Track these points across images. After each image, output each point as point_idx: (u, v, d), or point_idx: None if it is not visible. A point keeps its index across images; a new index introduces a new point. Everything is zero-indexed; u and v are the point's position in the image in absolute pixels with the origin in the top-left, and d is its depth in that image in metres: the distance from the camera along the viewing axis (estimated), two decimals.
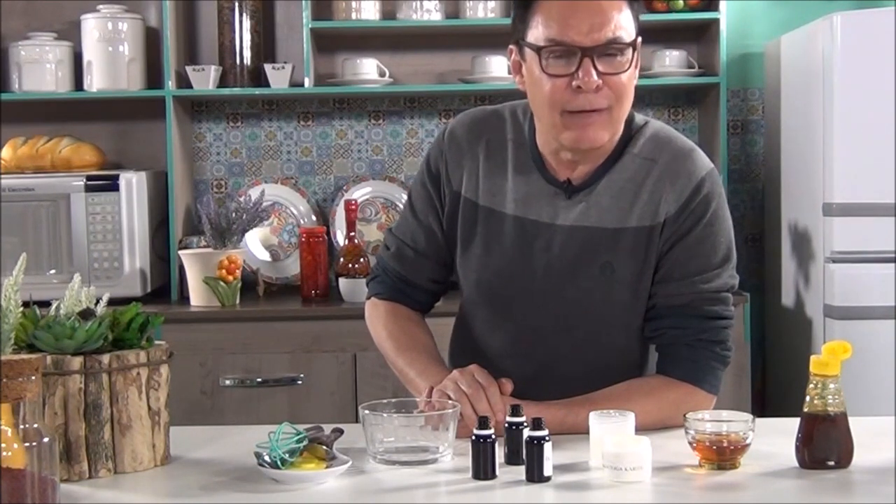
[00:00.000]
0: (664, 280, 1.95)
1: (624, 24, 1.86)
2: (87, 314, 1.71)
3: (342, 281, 3.63)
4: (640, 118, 2.01)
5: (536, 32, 1.87)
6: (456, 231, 2.05)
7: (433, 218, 2.08)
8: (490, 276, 2.01)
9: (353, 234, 3.77)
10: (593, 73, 1.83)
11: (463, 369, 1.87)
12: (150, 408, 1.72)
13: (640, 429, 1.77)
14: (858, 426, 1.70)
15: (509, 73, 3.82)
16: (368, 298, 2.20)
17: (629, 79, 1.88)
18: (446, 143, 2.05)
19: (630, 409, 1.77)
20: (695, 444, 1.68)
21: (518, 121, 2.03)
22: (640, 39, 1.90)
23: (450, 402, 1.80)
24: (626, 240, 1.93)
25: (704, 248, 1.94)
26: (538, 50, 1.86)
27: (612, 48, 1.84)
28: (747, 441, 1.68)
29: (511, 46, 1.95)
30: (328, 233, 3.89)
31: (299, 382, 3.45)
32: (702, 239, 1.93)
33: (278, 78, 3.78)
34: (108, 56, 3.77)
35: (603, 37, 1.83)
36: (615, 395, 1.89)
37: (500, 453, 1.67)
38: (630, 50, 1.86)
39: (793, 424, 1.71)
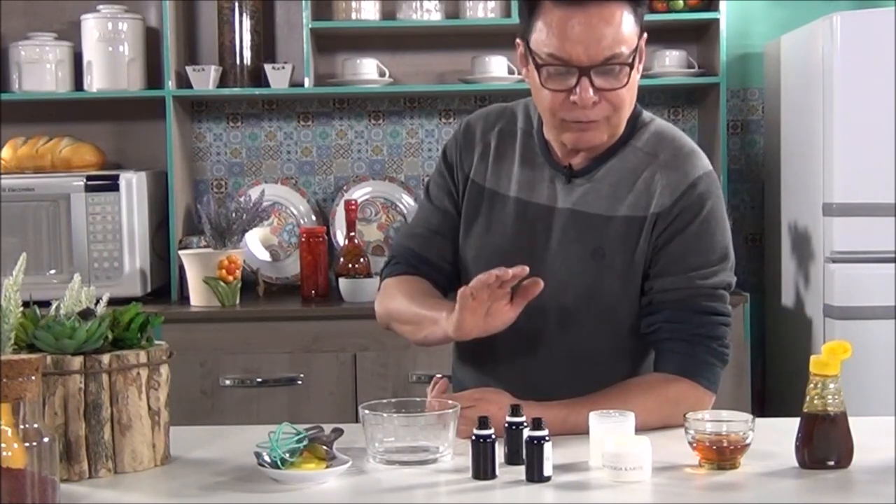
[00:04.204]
0: (661, 274, 1.96)
1: (625, 35, 1.87)
2: (87, 314, 1.71)
3: (342, 281, 3.63)
4: (647, 115, 2.04)
5: (538, 38, 1.88)
6: (461, 212, 2.08)
7: (448, 201, 2.11)
8: (488, 254, 2.03)
9: (353, 234, 3.77)
10: (589, 90, 1.86)
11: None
12: (150, 408, 1.72)
13: (641, 428, 1.77)
14: (858, 426, 1.70)
15: (509, 72, 3.83)
16: (381, 282, 2.17)
17: (628, 89, 1.89)
18: (461, 133, 2.11)
19: (629, 406, 1.78)
20: (695, 444, 1.68)
21: (528, 114, 2.08)
22: (645, 36, 1.92)
23: (450, 402, 1.80)
24: (617, 228, 1.96)
25: (702, 245, 1.95)
26: (538, 66, 1.88)
27: (610, 65, 1.86)
28: (747, 441, 1.68)
29: (518, 40, 1.96)
30: (328, 233, 3.89)
31: (299, 382, 3.45)
32: (699, 235, 1.95)
33: (278, 78, 3.78)
34: (108, 56, 3.77)
35: (601, 54, 1.85)
36: (613, 394, 1.90)
37: (500, 453, 1.67)
38: (627, 68, 1.87)
39: (793, 424, 1.71)
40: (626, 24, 1.87)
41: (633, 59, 1.88)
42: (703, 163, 1.99)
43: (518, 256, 1.99)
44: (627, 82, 1.88)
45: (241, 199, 3.71)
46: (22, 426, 1.38)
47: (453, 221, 2.10)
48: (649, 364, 2.03)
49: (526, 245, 2.00)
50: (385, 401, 1.80)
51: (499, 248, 2.02)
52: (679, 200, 1.94)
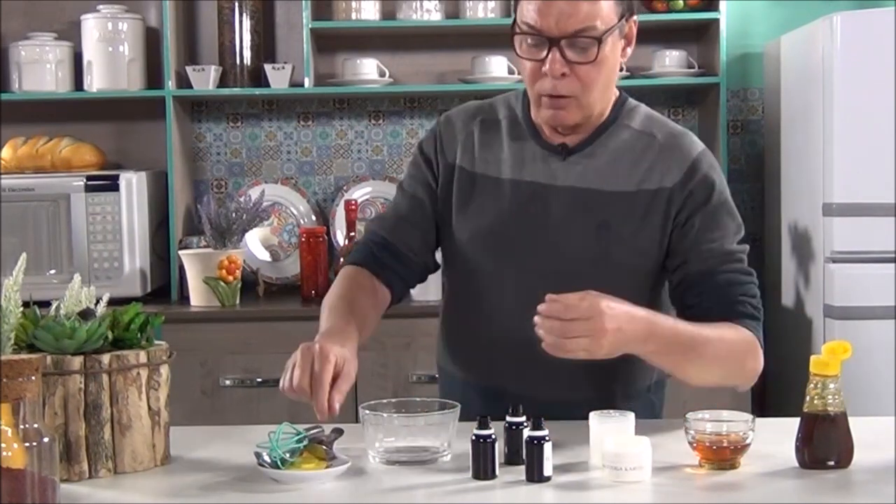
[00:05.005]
0: (688, 250, 1.98)
1: (603, 12, 1.90)
2: (87, 314, 1.71)
3: None
4: (632, 101, 2.09)
5: (521, 10, 1.94)
6: (451, 198, 2.08)
7: (422, 190, 2.11)
8: (487, 231, 2.04)
9: (353, 234, 3.77)
10: (558, 62, 1.90)
11: (311, 347, 1.80)
12: (150, 408, 1.72)
13: (724, 373, 1.83)
14: (858, 426, 1.70)
15: (509, 72, 3.83)
16: (343, 266, 2.17)
17: (598, 67, 1.92)
18: (442, 125, 2.13)
19: (718, 336, 1.83)
20: (695, 444, 1.69)
21: (510, 104, 2.11)
22: (635, 19, 1.97)
23: (449, 402, 1.81)
24: (626, 201, 1.98)
25: (722, 218, 2.00)
26: (514, 35, 1.95)
27: (580, 38, 1.90)
28: (747, 441, 1.68)
29: (514, 13, 2.01)
30: (328, 233, 3.89)
31: None
32: (717, 209, 2.00)
33: (278, 78, 3.78)
34: (108, 56, 3.77)
35: (571, 27, 1.89)
36: (707, 327, 1.89)
37: (500, 453, 1.67)
38: (597, 42, 1.90)
39: (793, 424, 1.71)
40: (606, 2, 1.91)
41: (606, 36, 1.91)
42: (697, 141, 2.06)
43: (517, 234, 2.02)
44: (597, 58, 1.91)
45: (241, 199, 3.71)
46: (22, 426, 1.38)
47: (423, 209, 2.10)
48: None
49: (524, 223, 2.02)
50: (385, 401, 1.80)
51: (495, 228, 2.03)
52: (688, 177, 1.99)
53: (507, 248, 2.02)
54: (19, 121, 3.91)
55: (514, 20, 1.96)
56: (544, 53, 1.91)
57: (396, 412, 1.77)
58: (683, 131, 2.06)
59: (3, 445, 1.36)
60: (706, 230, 1.98)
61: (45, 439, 1.40)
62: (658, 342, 1.82)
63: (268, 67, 3.79)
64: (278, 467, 1.63)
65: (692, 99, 4.06)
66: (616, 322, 1.74)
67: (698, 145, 2.04)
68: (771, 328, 3.92)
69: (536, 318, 1.75)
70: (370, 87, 3.83)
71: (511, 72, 3.84)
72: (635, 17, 1.98)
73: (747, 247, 2.02)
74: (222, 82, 3.82)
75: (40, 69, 3.78)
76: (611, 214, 1.99)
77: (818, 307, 3.44)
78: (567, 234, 2.00)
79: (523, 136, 2.05)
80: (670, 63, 3.85)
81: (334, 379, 1.74)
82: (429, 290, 3.42)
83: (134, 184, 3.58)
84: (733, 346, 1.89)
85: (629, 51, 1.99)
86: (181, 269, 3.67)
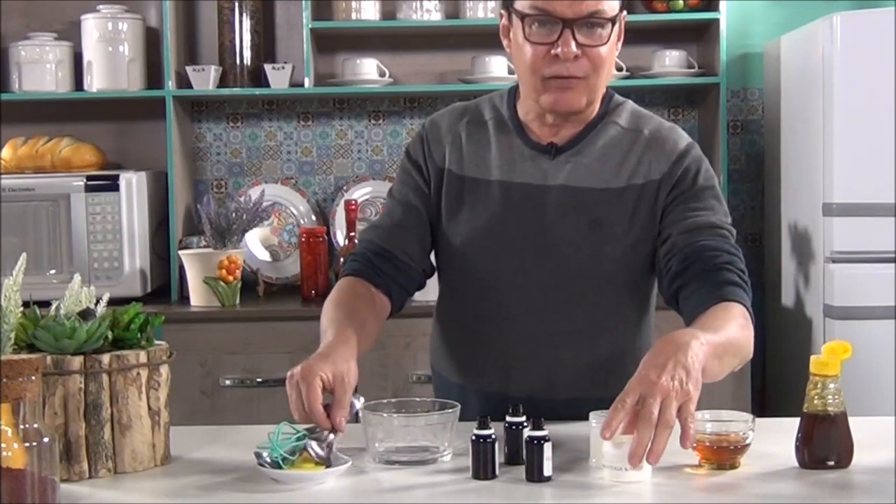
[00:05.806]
0: (677, 222, 1.97)
1: (608, 1, 1.93)
2: (87, 314, 1.71)
3: None
4: (619, 97, 2.10)
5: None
6: (441, 203, 2.07)
7: (414, 195, 2.09)
8: (481, 233, 2.03)
9: (353, 234, 3.77)
10: (572, 44, 1.92)
11: (294, 374, 1.74)
12: (150, 408, 1.72)
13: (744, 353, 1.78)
14: (858, 426, 1.70)
15: (509, 72, 3.83)
16: (340, 278, 2.12)
17: (608, 50, 1.96)
18: (428, 129, 2.12)
19: (730, 331, 1.77)
20: (695, 444, 1.68)
21: (494, 104, 2.11)
22: (624, 13, 1.99)
23: (449, 402, 1.81)
24: (617, 198, 1.99)
25: (709, 199, 2.00)
26: (522, 18, 1.95)
27: (592, 21, 1.92)
28: (747, 441, 1.68)
29: (501, 10, 2.02)
30: (328, 233, 3.89)
31: None
32: (706, 190, 2.01)
33: (278, 78, 3.78)
34: (108, 56, 3.77)
35: (585, 9, 1.91)
36: (715, 324, 1.81)
37: (500, 453, 1.67)
38: (610, 24, 1.93)
39: (793, 424, 1.71)
40: None
41: (616, 19, 1.94)
42: (685, 135, 2.07)
43: (512, 235, 2.02)
44: (608, 40, 1.94)
45: (241, 199, 3.72)
46: (22, 426, 1.38)
47: (418, 214, 2.08)
48: (651, 336, 2.07)
49: (519, 224, 2.01)
50: (385, 401, 1.80)
51: (489, 229, 2.03)
52: (675, 167, 2.00)
53: (502, 249, 2.02)
54: (19, 121, 3.91)
55: (510, 11, 1.97)
56: (555, 36, 1.92)
57: (396, 412, 1.77)
58: (671, 126, 2.08)
59: (3, 445, 1.36)
60: (692, 208, 1.99)
61: (45, 439, 1.40)
62: (710, 351, 1.70)
63: (268, 67, 3.80)
64: (278, 467, 1.63)
65: (692, 99, 4.06)
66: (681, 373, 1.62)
67: (685, 139, 2.05)
68: (771, 328, 3.93)
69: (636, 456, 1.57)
70: (370, 87, 3.83)
71: (511, 72, 3.83)
72: (625, 13, 2.01)
73: (735, 231, 2.01)
74: (222, 82, 3.82)
75: (40, 69, 3.78)
76: (602, 212, 1.99)
77: (818, 307, 3.45)
78: (561, 232, 2.00)
79: (510, 136, 2.06)
80: (670, 63, 3.85)
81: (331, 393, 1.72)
82: (429, 291, 3.42)
83: (134, 184, 3.58)
84: (739, 334, 1.83)
85: (619, 45, 2.01)
86: (181, 269, 3.68)
